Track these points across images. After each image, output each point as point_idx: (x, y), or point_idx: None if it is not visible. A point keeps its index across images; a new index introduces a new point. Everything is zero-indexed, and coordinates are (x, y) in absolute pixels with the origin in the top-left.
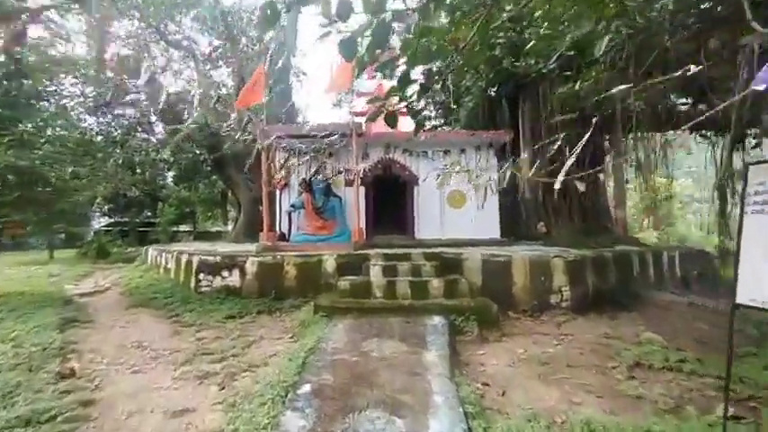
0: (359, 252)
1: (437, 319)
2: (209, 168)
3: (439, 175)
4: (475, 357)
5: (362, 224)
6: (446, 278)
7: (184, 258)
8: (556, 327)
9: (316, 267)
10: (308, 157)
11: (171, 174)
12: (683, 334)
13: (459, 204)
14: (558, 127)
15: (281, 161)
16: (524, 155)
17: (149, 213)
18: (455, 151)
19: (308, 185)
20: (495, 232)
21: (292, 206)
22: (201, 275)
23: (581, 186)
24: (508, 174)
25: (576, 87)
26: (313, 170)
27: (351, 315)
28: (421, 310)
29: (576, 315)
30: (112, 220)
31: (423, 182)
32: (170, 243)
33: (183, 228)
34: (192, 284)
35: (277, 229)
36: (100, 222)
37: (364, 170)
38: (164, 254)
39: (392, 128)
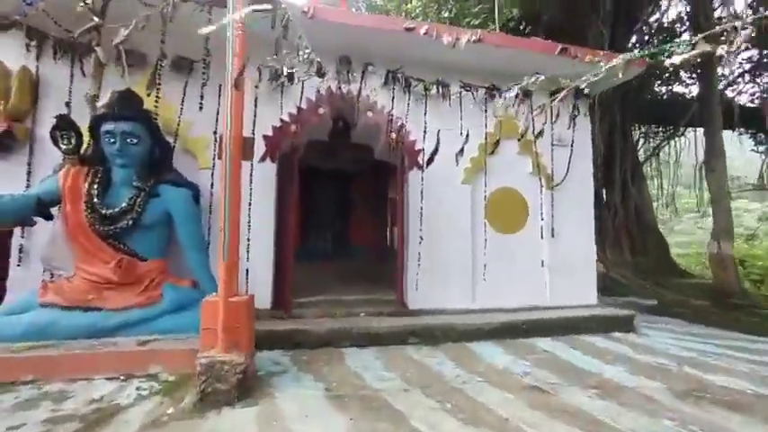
0: None
1: None
2: None
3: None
4: None
5: (264, 274)
6: None
7: None
8: None
9: None
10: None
11: None
12: None
13: (513, 224)
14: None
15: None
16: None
17: None
18: (507, 90)
19: (78, 140)
20: (589, 293)
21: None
22: None
23: None
24: None
25: None
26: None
27: None
28: None
29: None
30: None
31: (428, 164)
32: None
33: None
34: None
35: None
36: None
37: (280, 119)
38: None
39: None
